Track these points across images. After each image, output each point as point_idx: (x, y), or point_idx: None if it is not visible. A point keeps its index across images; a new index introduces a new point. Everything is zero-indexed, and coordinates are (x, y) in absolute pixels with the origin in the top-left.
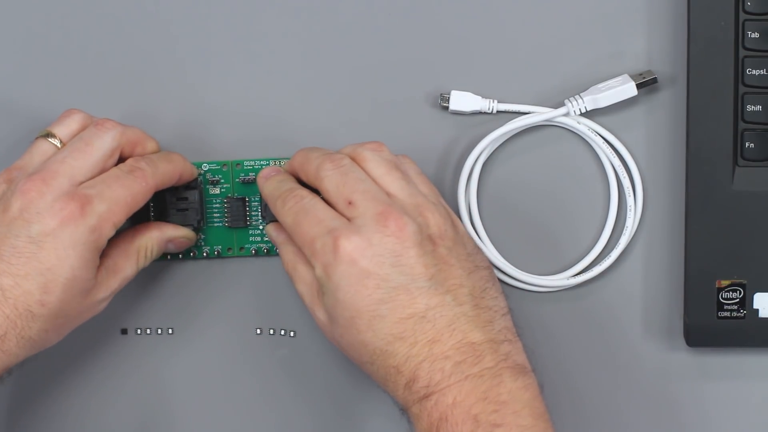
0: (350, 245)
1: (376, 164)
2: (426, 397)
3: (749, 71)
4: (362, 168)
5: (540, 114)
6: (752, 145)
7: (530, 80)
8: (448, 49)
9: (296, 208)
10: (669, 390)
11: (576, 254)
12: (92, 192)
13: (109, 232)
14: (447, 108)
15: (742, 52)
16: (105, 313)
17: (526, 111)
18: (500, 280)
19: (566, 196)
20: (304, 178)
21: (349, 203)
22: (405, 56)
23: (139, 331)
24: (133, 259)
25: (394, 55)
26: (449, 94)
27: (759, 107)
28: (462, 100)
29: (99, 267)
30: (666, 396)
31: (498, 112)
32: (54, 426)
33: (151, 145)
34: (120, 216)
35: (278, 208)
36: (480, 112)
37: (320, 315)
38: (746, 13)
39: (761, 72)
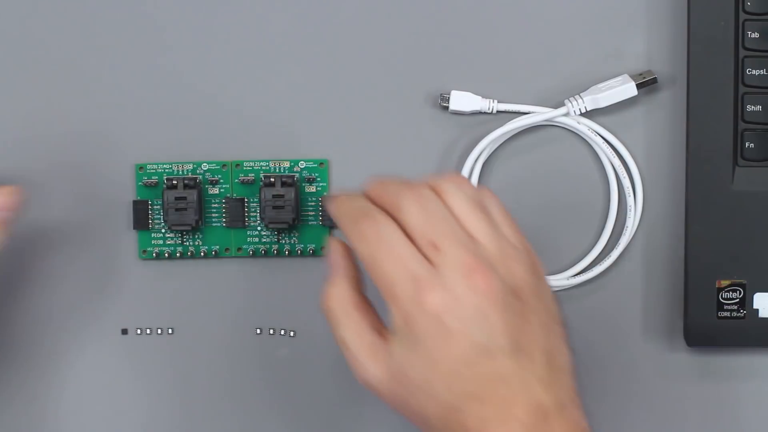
0: (437, 300)
1: (459, 201)
2: None
3: (749, 71)
4: (444, 203)
5: (540, 114)
6: (752, 145)
7: (530, 80)
8: (448, 49)
9: (372, 236)
10: (669, 390)
11: (576, 254)
12: None
13: None
14: (447, 108)
15: (742, 52)
16: (105, 313)
17: (526, 111)
18: None
19: (566, 196)
20: (380, 204)
21: (434, 246)
22: (405, 56)
23: (139, 331)
24: None
25: (394, 55)
26: (449, 94)
27: (759, 107)
28: (462, 100)
29: None
30: (666, 396)
31: (498, 112)
32: (54, 426)
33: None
34: None
35: (349, 229)
36: (480, 112)
37: (374, 368)
38: (746, 13)
39: (761, 72)
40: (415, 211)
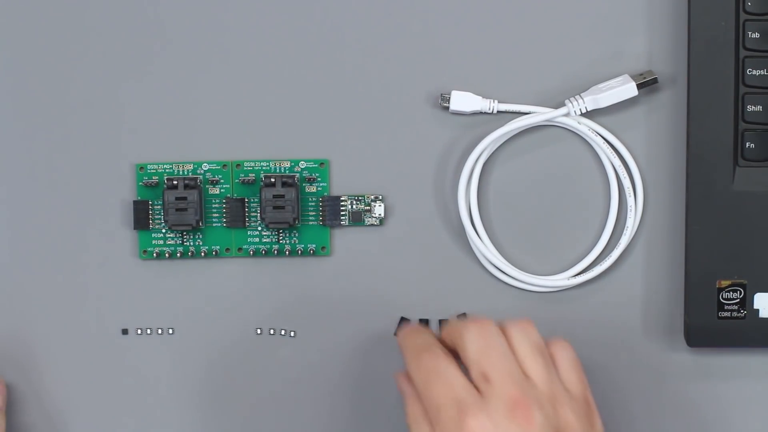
0: (477, 424)
1: (522, 343)
2: None
3: (750, 71)
4: (507, 341)
5: (540, 114)
6: (753, 145)
7: (531, 80)
8: (448, 49)
9: (429, 366)
10: (669, 390)
11: (576, 254)
12: None
13: None
14: (447, 108)
15: (743, 53)
16: (105, 313)
17: (527, 111)
18: (500, 280)
19: (566, 197)
20: (447, 341)
21: (485, 378)
22: (405, 56)
23: (139, 331)
24: None
25: (394, 55)
26: (449, 94)
27: (759, 107)
28: (462, 101)
29: None
30: (666, 396)
31: (498, 112)
32: (54, 426)
33: None
34: None
35: (410, 361)
36: (480, 113)
37: None
38: (747, 13)
39: (762, 72)
40: (475, 340)
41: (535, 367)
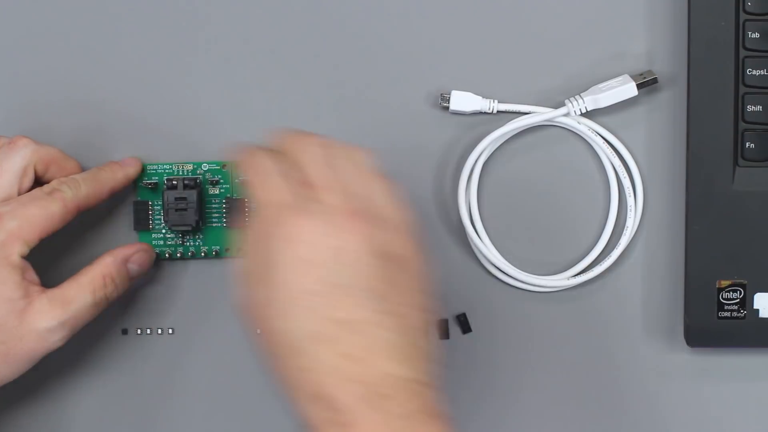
0: (306, 224)
1: (356, 164)
2: (333, 422)
3: (749, 71)
4: (348, 165)
5: (540, 114)
6: (752, 145)
7: (531, 80)
8: (448, 49)
9: (258, 167)
10: (669, 390)
11: (576, 254)
12: (4, 210)
13: (19, 249)
14: (447, 108)
15: (743, 53)
16: (105, 313)
17: (527, 111)
18: (500, 280)
19: (566, 196)
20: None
21: (314, 186)
22: (405, 56)
23: (139, 331)
24: (86, 289)
25: (394, 55)
26: (449, 94)
27: (759, 107)
28: (462, 100)
29: (40, 293)
30: (666, 396)
31: (498, 112)
32: (54, 426)
33: (70, 165)
34: (31, 234)
35: (246, 161)
36: (480, 112)
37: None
38: (747, 13)
39: (762, 72)
40: (315, 150)
41: (372, 186)
